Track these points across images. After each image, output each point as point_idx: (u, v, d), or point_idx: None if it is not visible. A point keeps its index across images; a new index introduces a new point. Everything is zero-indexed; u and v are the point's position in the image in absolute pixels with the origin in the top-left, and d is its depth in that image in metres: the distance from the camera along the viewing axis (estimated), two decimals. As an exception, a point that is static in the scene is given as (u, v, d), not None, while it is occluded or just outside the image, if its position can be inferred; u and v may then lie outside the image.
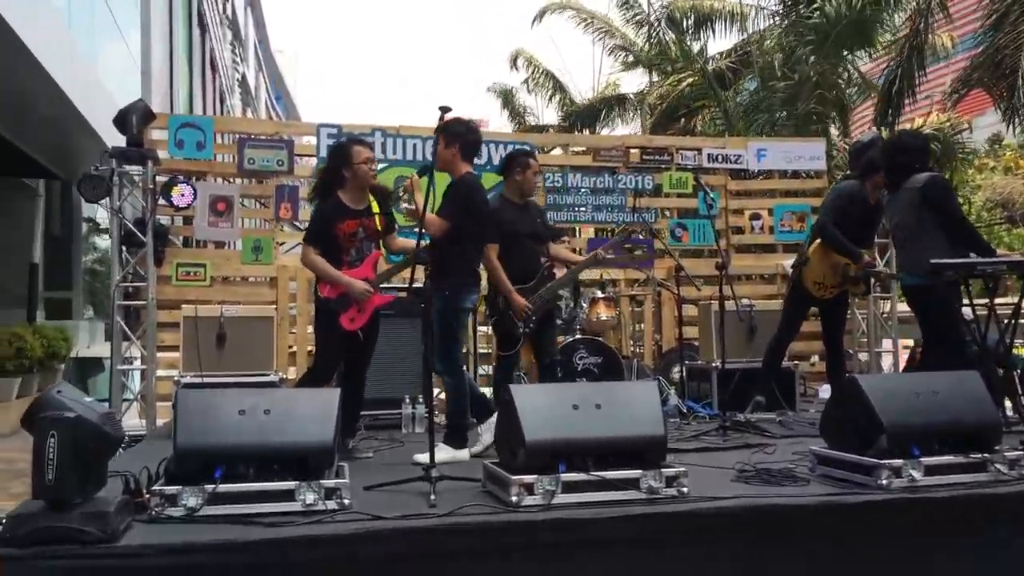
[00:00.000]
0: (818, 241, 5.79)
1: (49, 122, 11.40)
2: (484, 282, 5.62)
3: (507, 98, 21.12)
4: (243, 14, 35.31)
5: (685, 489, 3.39)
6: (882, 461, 3.52)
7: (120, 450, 6.00)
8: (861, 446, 3.68)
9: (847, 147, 11.99)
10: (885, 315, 8.08)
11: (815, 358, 8.25)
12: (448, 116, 4.33)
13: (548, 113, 21.03)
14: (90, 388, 9.54)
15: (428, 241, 4.64)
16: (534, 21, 19.11)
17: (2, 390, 11.10)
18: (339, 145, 5.02)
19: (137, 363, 6.66)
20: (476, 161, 7.59)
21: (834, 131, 13.89)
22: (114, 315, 6.31)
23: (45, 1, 9.95)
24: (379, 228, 4.86)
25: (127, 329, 6.34)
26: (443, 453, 4.45)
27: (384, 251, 5.02)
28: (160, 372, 6.48)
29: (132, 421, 6.65)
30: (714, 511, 3.29)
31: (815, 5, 12.47)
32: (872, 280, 6.92)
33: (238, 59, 33.28)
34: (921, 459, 3.55)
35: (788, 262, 6.79)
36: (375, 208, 4.86)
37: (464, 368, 4.94)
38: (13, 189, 13.86)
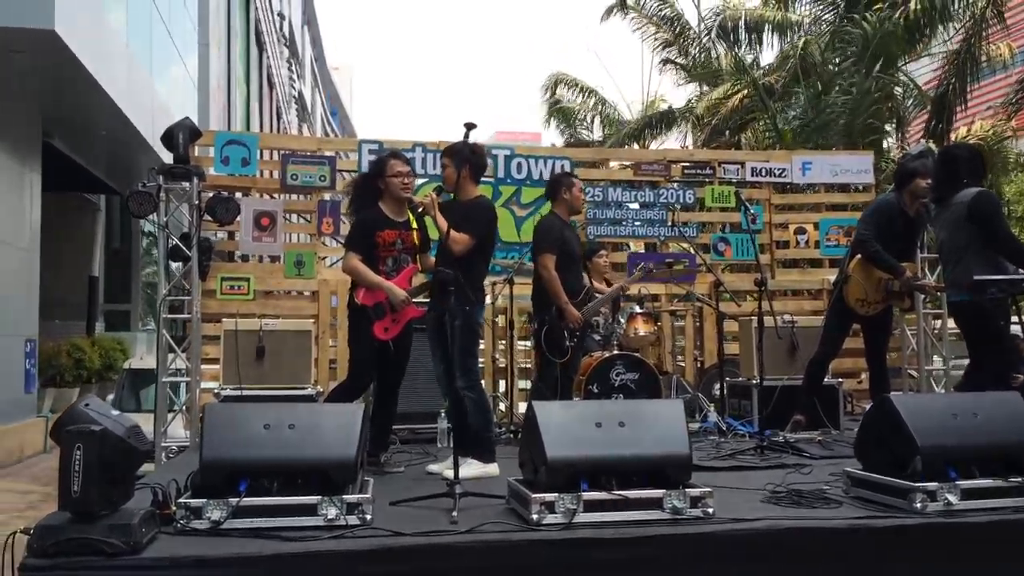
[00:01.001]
0: (858, 256, 5.65)
1: (109, 140, 11.79)
2: (530, 293, 5.74)
3: (562, 114, 21.10)
4: (300, 32, 36.00)
5: (710, 510, 3.34)
6: (916, 484, 3.42)
7: (165, 458, 6.19)
8: (896, 468, 3.59)
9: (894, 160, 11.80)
10: (936, 331, 7.86)
11: (864, 376, 8.06)
12: (472, 132, 4.35)
13: (596, 127, 20.95)
14: (142, 399, 9.75)
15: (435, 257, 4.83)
16: (602, 18, 19.18)
17: (61, 400, 11.49)
18: (378, 158, 5.19)
19: (183, 375, 6.78)
20: (516, 176, 7.79)
21: (888, 143, 13.63)
22: (159, 328, 6.45)
23: (105, 23, 10.27)
24: (416, 243, 4.94)
25: (172, 342, 6.48)
26: (473, 469, 4.46)
27: (420, 266, 5.06)
28: (204, 384, 6.60)
29: (178, 432, 6.80)
30: (738, 533, 3.23)
31: (867, 12, 12.29)
32: (920, 295, 6.75)
33: (295, 76, 33.93)
34: (958, 482, 3.43)
35: (834, 277, 6.67)
36: (413, 223, 4.94)
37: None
38: (75, 204, 14.35)
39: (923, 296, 7.25)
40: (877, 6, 12.70)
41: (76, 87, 9.62)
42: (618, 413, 3.54)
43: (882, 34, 11.67)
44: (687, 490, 3.35)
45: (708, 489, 3.39)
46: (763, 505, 3.65)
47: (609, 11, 18.89)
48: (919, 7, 11.81)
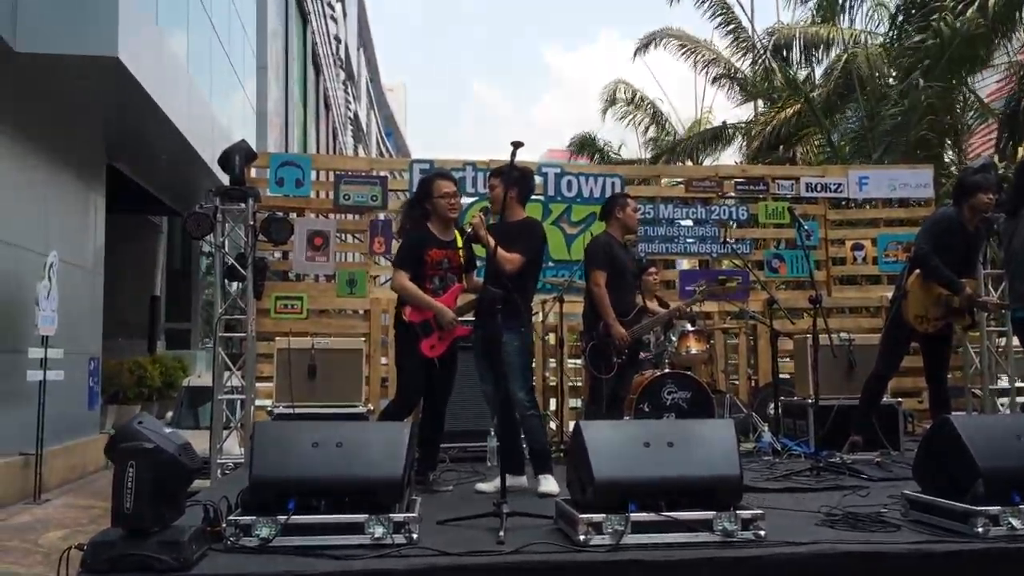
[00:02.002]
0: (917, 271, 5.51)
1: (171, 163, 12.10)
2: (580, 311, 5.78)
3: (587, 146, 20.99)
4: (356, 55, 36.58)
5: (762, 532, 3.27)
6: (978, 508, 3.30)
7: (220, 475, 6.28)
8: (956, 491, 3.47)
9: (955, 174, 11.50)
10: (1001, 349, 7.62)
11: (925, 395, 7.85)
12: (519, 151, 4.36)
13: (644, 149, 20.76)
14: (200, 416, 9.93)
15: (482, 278, 4.82)
16: (637, 52, 18.87)
17: (123, 417, 11.76)
18: (425, 178, 5.24)
19: (239, 393, 6.88)
20: (566, 193, 7.79)
21: (948, 157, 13.30)
22: (216, 346, 6.57)
23: (166, 50, 10.56)
24: (462, 262, 4.96)
25: (227, 360, 6.59)
26: (553, 484, 4.50)
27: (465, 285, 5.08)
28: (259, 402, 6.70)
29: (233, 449, 6.90)
30: (791, 556, 3.15)
31: (928, 23, 11.98)
32: (983, 312, 6.55)
33: (350, 98, 34.46)
34: (1021, 506, 3.31)
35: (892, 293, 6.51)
36: (459, 243, 4.97)
37: None
38: (138, 226, 14.74)
39: (987, 313, 7.04)
40: (934, 17, 12.40)
41: (138, 113, 9.89)
42: (667, 433, 3.49)
43: (958, 40, 11.33)
44: (738, 512, 3.28)
45: (760, 511, 3.31)
46: (817, 528, 3.57)
47: (646, 44, 18.67)
48: (976, 19, 11.48)
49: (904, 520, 3.66)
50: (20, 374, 8.25)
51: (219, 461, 6.46)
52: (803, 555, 3.16)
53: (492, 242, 4.58)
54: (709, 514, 3.26)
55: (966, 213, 5.47)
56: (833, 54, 15.65)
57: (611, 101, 19.69)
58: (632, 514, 3.22)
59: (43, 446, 8.33)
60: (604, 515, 3.20)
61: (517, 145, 4.14)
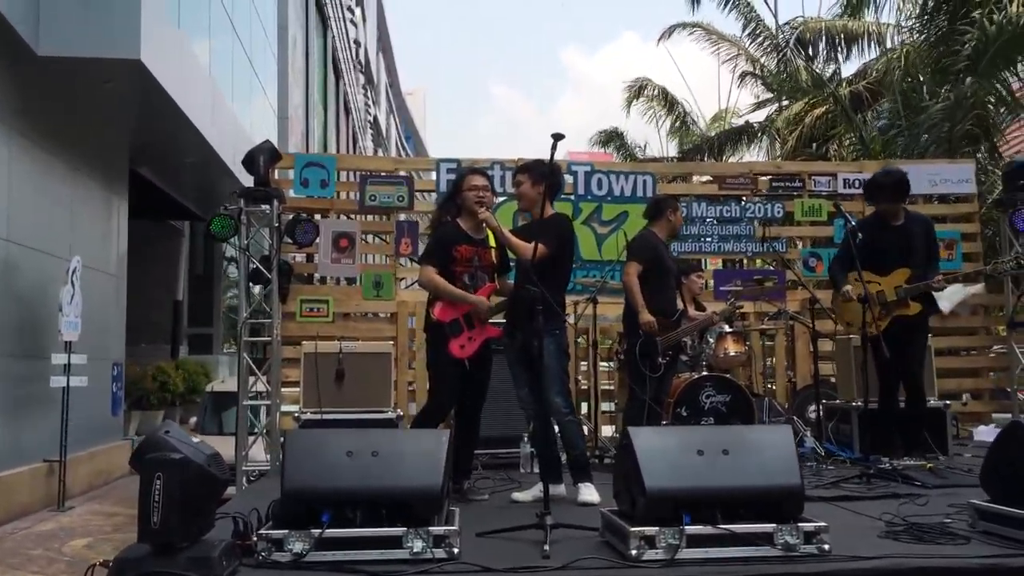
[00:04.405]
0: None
1: (193, 167, 12.02)
2: (610, 313, 5.63)
3: (613, 139, 20.75)
4: (375, 59, 36.56)
5: (826, 546, 3.07)
6: (1057, 519, 3.10)
7: (245, 483, 6.14)
8: (1030, 501, 3.26)
9: (994, 169, 11.20)
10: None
11: (966, 396, 7.63)
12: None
13: (671, 147, 20.51)
14: (224, 422, 9.81)
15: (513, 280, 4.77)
16: (661, 38, 18.57)
17: (146, 423, 11.68)
18: (458, 174, 5.18)
19: (264, 398, 6.74)
20: (596, 192, 7.59)
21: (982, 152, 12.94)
22: (240, 351, 6.44)
23: (189, 54, 10.46)
24: (495, 261, 4.80)
25: (253, 365, 6.45)
26: (594, 493, 4.35)
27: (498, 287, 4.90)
28: (285, 407, 6.55)
29: (258, 455, 6.76)
30: (858, 572, 2.95)
31: (970, 17, 11.64)
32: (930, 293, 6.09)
33: (370, 102, 34.43)
34: (1104, 518, 3.10)
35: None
36: (492, 242, 4.80)
37: None
38: (161, 231, 14.69)
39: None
40: (976, 12, 12.05)
41: (161, 116, 9.79)
42: (721, 440, 3.29)
43: (1006, 38, 10.97)
44: (800, 524, 3.08)
45: (823, 524, 3.11)
46: (881, 540, 3.37)
47: (670, 31, 18.39)
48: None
49: (972, 531, 3.45)
50: (44, 380, 8.15)
51: (244, 468, 6.32)
52: (871, 570, 2.96)
53: (506, 231, 4.51)
54: (769, 527, 3.07)
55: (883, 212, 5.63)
56: (865, 49, 15.31)
57: (636, 95, 19.37)
58: (687, 527, 3.03)
59: (67, 453, 8.23)
60: (657, 528, 3.02)
61: (558, 137, 3.93)
